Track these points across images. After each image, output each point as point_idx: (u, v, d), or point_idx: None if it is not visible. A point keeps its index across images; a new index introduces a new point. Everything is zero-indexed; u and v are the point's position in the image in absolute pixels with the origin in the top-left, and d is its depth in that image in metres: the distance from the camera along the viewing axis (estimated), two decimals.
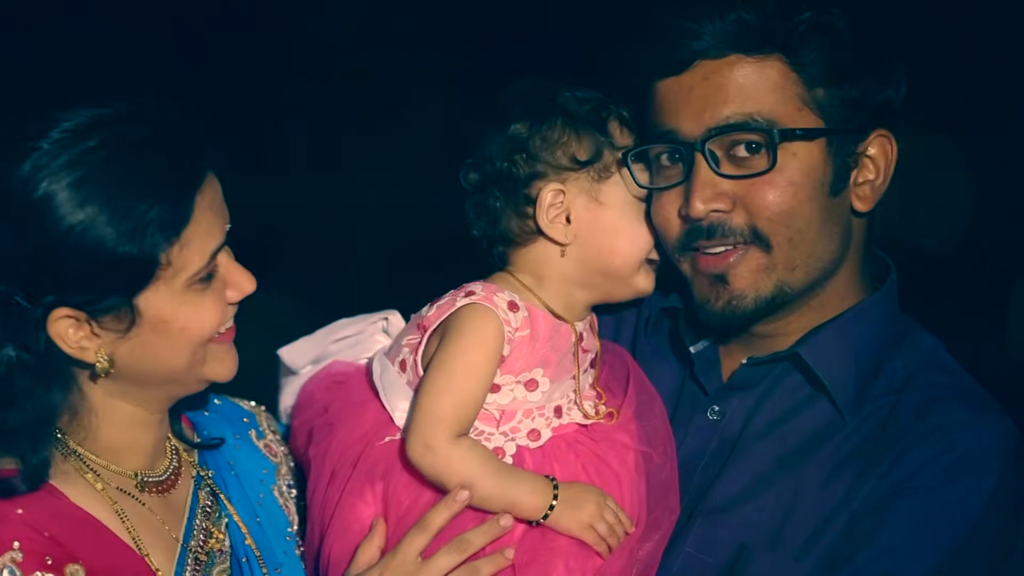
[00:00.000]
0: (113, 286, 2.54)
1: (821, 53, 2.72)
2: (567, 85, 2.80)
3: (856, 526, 2.70)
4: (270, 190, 4.10)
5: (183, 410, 2.89)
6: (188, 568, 2.71)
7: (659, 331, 3.03)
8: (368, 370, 2.85)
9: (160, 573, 2.66)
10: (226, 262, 2.65)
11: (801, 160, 2.72)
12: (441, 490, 2.71)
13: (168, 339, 2.60)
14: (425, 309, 2.81)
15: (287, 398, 2.94)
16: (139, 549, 2.65)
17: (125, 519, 2.66)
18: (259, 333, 2.91)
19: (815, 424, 2.80)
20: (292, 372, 2.96)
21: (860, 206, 2.81)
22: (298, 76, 4.20)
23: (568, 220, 2.77)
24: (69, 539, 2.59)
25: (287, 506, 2.92)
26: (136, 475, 2.71)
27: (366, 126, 3.86)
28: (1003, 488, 2.69)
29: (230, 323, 2.70)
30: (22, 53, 3.87)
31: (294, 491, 2.95)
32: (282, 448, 2.97)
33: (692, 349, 2.95)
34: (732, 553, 2.75)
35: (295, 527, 2.91)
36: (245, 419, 2.99)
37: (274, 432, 2.99)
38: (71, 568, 2.56)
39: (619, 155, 2.78)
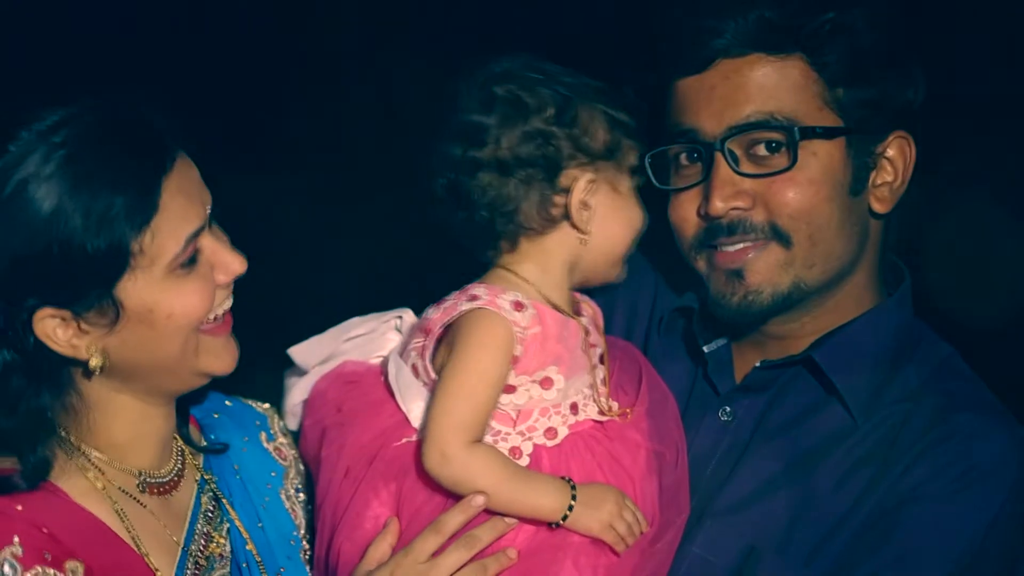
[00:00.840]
0: (89, 280, 2.53)
1: (843, 53, 2.73)
2: (556, 66, 2.76)
3: (867, 532, 2.69)
4: (280, 189, 4.10)
5: (192, 411, 2.88)
6: (188, 571, 2.70)
7: (672, 331, 3.03)
8: (383, 370, 2.84)
9: (160, 573, 2.66)
10: (211, 244, 2.63)
11: (821, 159, 2.74)
12: (455, 493, 2.71)
13: (156, 328, 2.58)
14: (428, 310, 2.79)
15: (296, 395, 2.91)
16: (138, 548, 2.64)
17: (125, 519, 2.65)
18: (269, 332, 2.89)
19: (827, 428, 2.80)
20: (301, 371, 2.93)
21: (879, 207, 2.83)
22: (305, 74, 4.18)
23: (586, 207, 2.75)
24: (68, 537, 2.57)
25: (294, 510, 2.91)
26: (140, 474, 2.70)
27: (372, 124, 3.82)
28: (1015, 498, 2.69)
29: (223, 309, 2.67)
30: (31, 48, 3.88)
31: (302, 495, 2.94)
32: (292, 451, 2.96)
33: (705, 349, 2.95)
34: (740, 555, 2.75)
35: (302, 531, 2.90)
36: (257, 422, 2.97)
37: (286, 435, 2.98)
38: (71, 564, 2.55)
39: (632, 143, 2.76)
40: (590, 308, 2.87)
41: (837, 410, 2.81)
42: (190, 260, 2.60)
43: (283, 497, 2.91)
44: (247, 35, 4.11)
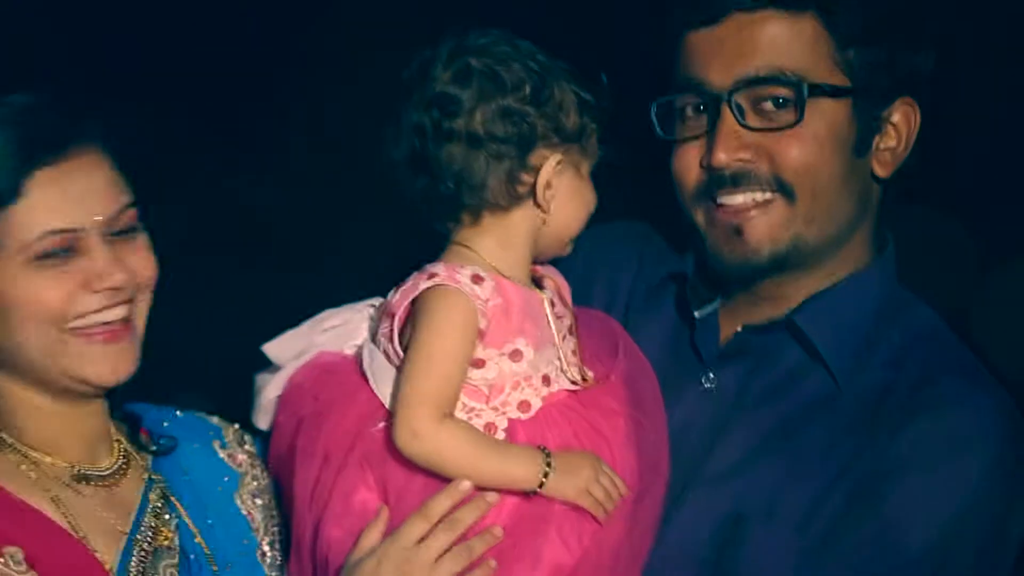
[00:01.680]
0: None
1: (855, 14, 2.76)
2: (528, 43, 2.77)
3: (854, 501, 2.69)
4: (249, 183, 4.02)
5: (143, 423, 2.86)
6: (134, 559, 2.66)
7: (662, 297, 3.01)
8: (357, 359, 2.81)
9: (99, 554, 2.62)
10: (94, 248, 2.62)
11: (827, 117, 2.76)
12: (434, 472, 2.69)
13: (7, 314, 2.59)
14: (390, 295, 2.78)
15: (271, 391, 2.86)
16: (76, 532, 2.62)
17: (61, 505, 2.63)
18: (246, 330, 2.88)
19: (811, 394, 2.80)
20: (275, 370, 2.89)
21: (880, 171, 2.83)
22: (287, 71, 4.11)
23: (549, 187, 2.75)
24: (5, 525, 2.56)
25: (250, 513, 2.87)
26: (74, 467, 2.69)
27: (358, 118, 3.76)
28: (1001, 463, 2.69)
29: (104, 317, 2.63)
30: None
31: (259, 500, 2.90)
32: (248, 460, 2.94)
33: (697, 314, 2.93)
34: (728, 524, 2.75)
35: (260, 534, 2.86)
36: (210, 431, 2.95)
37: (241, 445, 2.95)
38: (9, 549, 2.52)
39: (596, 128, 2.78)
40: (553, 281, 2.86)
41: (821, 375, 2.80)
42: (58, 256, 2.60)
43: (237, 501, 2.87)
44: (245, 32, 4.08)
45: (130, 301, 2.65)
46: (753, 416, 2.80)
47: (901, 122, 2.80)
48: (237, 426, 2.97)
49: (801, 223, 2.76)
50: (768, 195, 2.77)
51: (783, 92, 2.73)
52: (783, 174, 2.75)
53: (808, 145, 2.73)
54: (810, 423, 2.76)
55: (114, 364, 2.64)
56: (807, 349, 2.80)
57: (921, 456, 2.66)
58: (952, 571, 2.65)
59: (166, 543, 2.70)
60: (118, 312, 2.64)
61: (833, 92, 2.73)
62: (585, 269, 3.05)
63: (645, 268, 3.04)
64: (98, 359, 2.63)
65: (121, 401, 2.78)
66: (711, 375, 2.87)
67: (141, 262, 2.65)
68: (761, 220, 2.77)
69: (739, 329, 2.88)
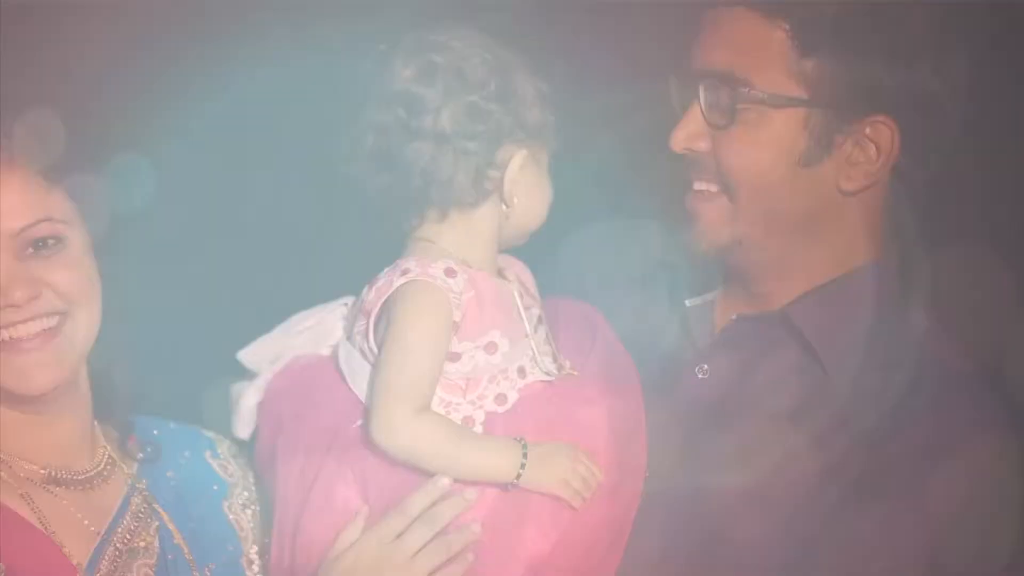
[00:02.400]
0: None
1: (826, 30, 2.74)
2: (489, 39, 2.78)
3: (846, 500, 2.68)
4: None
5: (133, 431, 2.86)
6: (105, 558, 2.65)
7: (659, 285, 3.02)
8: (334, 358, 2.83)
9: (66, 549, 2.61)
10: (3, 263, 2.59)
11: (774, 124, 2.75)
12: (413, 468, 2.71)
13: None
14: (364, 292, 2.79)
15: (250, 398, 2.86)
16: (44, 528, 2.61)
17: (31, 502, 2.62)
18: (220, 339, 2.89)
19: (805, 389, 2.78)
20: (252, 376, 2.89)
21: (846, 185, 2.80)
22: (271, 76, 4.06)
23: (514, 182, 2.78)
24: None
25: (238, 522, 2.88)
26: (46, 471, 2.68)
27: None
28: (992, 471, 2.68)
29: (11, 334, 2.59)
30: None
31: (249, 510, 2.91)
32: (240, 471, 2.95)
33: (688, 303, 2.94)
34: (719, 516, 2.74)
35: (248, 543, 2.87)
36: (203, 442, 2.96)
37: (235, 458, 2.97)
38: None
39: (554, 121, 2.80)
40: (514, 272, 2.87)
41: (815, 371, 2.79)
42: None
43: (225, 508, 2.89)
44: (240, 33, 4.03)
45: (58, 314, 2.61)
46: (745, 408, 2.80)
47: (877, 140, 2.76)
48: (231, 441, 2.96)
49: (743, 224, 2.79)
50: (717, 188, 2.81)
51: (724, 93, 2.76)
52: (724, 173, 2.78)
53: (747, 148, 2.75)
54: (803, 418, 2.75)
55: (31, 375, 2.60)
56: (802, 344, 2.81)
57: (914, 461, 2.67)
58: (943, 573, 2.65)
59: (143, 544, 2.70)
60: (32, 327, 2.60)
61: (769, 100, 2.73)
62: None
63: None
64: (15, 370, 2.60)
65: (119, 411, 2.79)
66: (705, 366, 2.87)
67: (58, 277, 2.60)
68: (707, 211, 2.80)
69: (733, 317, 2.88)
